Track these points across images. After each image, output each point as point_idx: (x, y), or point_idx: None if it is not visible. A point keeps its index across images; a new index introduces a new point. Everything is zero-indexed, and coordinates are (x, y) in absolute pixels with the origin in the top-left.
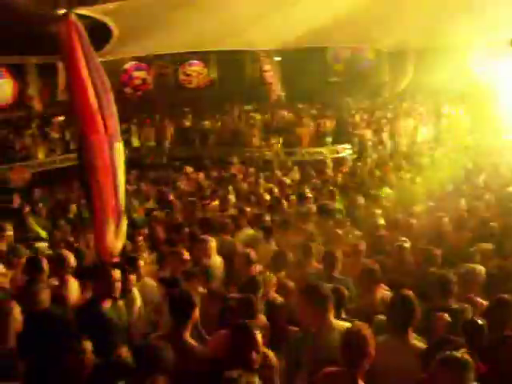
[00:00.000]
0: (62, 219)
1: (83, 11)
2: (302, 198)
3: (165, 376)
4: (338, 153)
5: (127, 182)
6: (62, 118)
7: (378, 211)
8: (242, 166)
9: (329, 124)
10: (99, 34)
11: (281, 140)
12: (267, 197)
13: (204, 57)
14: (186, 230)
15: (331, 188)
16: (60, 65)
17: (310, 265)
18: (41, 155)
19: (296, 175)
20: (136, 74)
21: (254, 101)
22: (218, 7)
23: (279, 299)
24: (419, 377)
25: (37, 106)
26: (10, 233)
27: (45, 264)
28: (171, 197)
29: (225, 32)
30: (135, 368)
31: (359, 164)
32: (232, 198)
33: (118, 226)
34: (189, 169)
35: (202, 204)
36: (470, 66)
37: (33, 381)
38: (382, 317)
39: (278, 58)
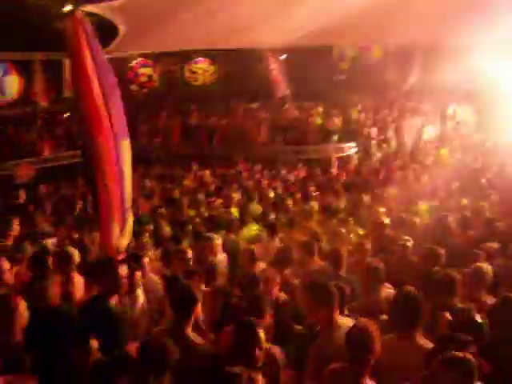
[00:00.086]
0: (68, 215)
1: (90, 8)
2: (306, 196)
3: (168, 372)
4: (343, 151)
5: (133, 178)
6: (67, 115)
7: (383, 209)
8: (247, 163)
9: (334, 122)
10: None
11: (287, 138)
12: (271, 194)
13: (210, 54)
14: (190, 227)
15: (336, 186)
16: (66, 61)
17: (314, 262)
18: (46, 151)
19: (301, 173)
20: (142, 71)
21: (260, 99)
22: (224, 5)
23: (283, 297)
24: (421, 374)
25: (42, 102)
26: (15, 228)
27: (49, 260)
28: (176, 194)
29: (231, 30)
30: (138, 364)
31: (364, 162)
32: (236, 195)
33: (123, 222)
34: (195, 166)
35: (208, 201)
36: (477, 65)
37: (39, 376)
38: (385, 316)
39: (284, 56)
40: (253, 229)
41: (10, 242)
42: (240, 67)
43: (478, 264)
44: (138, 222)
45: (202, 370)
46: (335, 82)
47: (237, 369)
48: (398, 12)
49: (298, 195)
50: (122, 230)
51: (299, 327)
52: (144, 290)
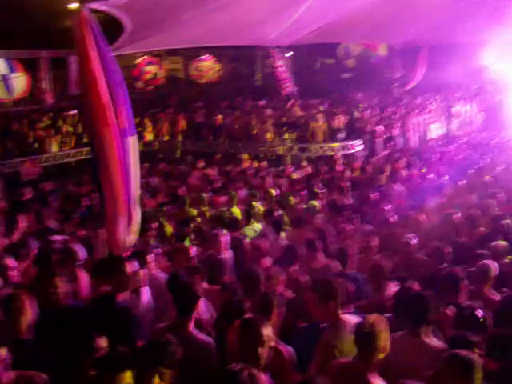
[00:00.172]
0: (74, 213)
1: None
2: (312, 193)
3: (171, 369)
4: (349, 149)
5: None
6: (74, 112)
7: (388, 207)
8: (253, 161)
9: (340, 120)
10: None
11: (293, 136)
12: (276, 192)
13: (215, 52)
14: (195, 224)
15: (342, 184)
16: (72, 59)
17: (317, 260)
18: (53, 148)
19: (307, 171)
20: (147, 68)
21: (265, 96)
22: (230, 2)
23: (288, 294)
24: (427, 374)
25: (49, 99)
26: (21, 225)
27: (55, 257)
28: (182, 191)
29: (237, 27)
30: (142, 361)
31: (370, 160)
32: (242, 193)
33: (129, 219)
34: (201, 163)
35: (213, 199)
36: (483, 62)
37: (48, 373)
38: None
39: (290, 54)
40: (255, 227)
41: (16, 239)
42: (246, 65)
43: (484, 261)
44: (143, 220)
45: (203, 366)
46: (341, 80)
47: (237, 366)
48: (405, 10)
49: (304, 193)
50: (129, 227)
51: (304, 324)
52: (149, 287)
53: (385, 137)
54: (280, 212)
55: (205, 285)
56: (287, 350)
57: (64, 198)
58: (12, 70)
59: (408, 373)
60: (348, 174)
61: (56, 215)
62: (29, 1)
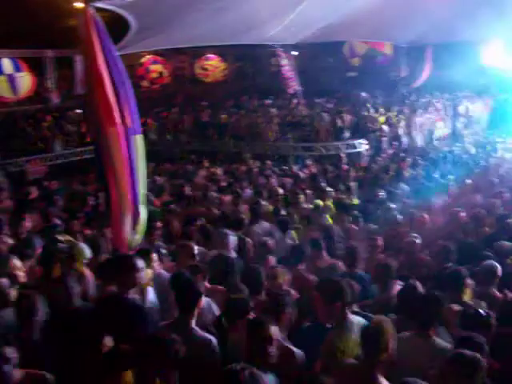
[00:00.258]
0: (79, 212)
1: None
2: (318, 192)
3: (174, 368)
4: (354, 148)
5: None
6: (79, 111)
7: (393, 206)
8: (258, 160)
9: (346, 119)
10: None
11: (297, 135)
12: (280, 191)
13: (221, 51)
14: (199, 223)
15: (347, 183)
16: (77, 58)
17: (322, 259)
18: (58, 147)
19: (313, 170)
20: (153, 67)
21: (271, 95)
22: (236, 1)
23: (292, 294)
24: (431, 373)
25: (54, 98)
26: (27, 224)
27: (61, 256)
28: (187, 190)
29: (243, 26)
30: (144, 359)
31: (375, 159)
32: (247, 191)
33: (135, 218)
34: (206, 162)
35: (218, 198)
36: (489, 60)
37: (55, 372)
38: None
39: (296, 53)
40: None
41: (21, 238)
42: (251, 64)
43: (489, 261)
44: (148, 219)
45: (205, 364)
46: (346, 79)
47: (238, 365)
48: (410, 8)
49: (309, 192)
50: (135, 225)
51: (309, 324)
52: (153, 285)
53: (390, 136)
54: (284, 211)
55: (207, 284)
56: (297, 350)
57: (69, 196)
58: (17, 69)
59: (416, 374)
60: (353, 173)
61: (61, 214)
62: (34, 0)
